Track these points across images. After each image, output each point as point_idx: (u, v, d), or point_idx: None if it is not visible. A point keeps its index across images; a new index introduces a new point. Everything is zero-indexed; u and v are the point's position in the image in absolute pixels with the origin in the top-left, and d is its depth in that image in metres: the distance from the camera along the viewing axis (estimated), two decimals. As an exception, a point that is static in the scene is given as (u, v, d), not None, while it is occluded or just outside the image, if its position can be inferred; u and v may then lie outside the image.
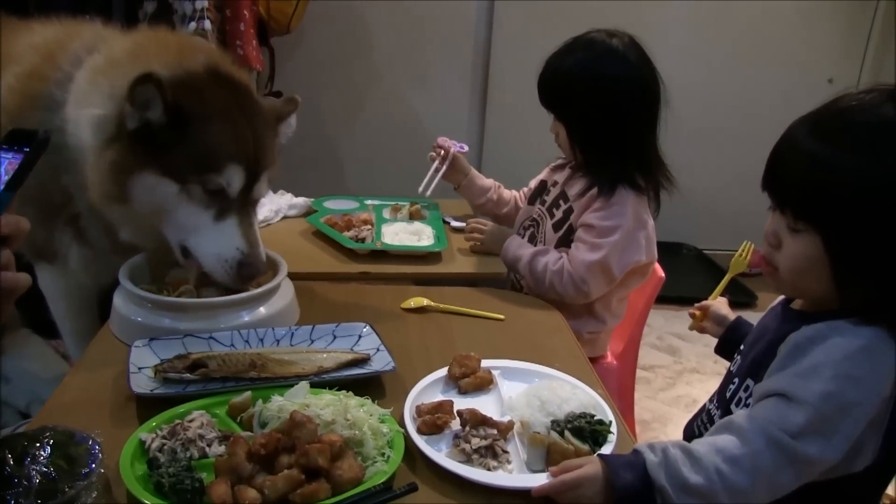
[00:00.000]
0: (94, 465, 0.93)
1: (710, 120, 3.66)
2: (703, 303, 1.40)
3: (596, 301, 1.68)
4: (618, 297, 1.72)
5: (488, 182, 1.98)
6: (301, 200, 1.99)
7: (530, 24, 3.25)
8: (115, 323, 1.35)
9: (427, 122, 3.42)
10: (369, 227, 1.80)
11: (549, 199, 1.76)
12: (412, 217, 1.91)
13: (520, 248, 1.69)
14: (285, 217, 1.94)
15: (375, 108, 3.42)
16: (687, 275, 3.45)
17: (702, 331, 1.39)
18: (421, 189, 1.92)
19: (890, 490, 1.53)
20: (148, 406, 1.09)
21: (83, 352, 1.60)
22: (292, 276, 1.52)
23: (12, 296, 0.98)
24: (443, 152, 1.94)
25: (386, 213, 1.93)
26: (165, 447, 0.98)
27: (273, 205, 1.95)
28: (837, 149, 0.96)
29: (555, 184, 1.76)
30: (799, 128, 1.02)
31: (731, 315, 1.35)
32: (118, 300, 1.36)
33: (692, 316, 1.40)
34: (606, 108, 1.60)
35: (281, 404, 1.04)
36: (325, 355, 1.22)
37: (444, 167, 1.93)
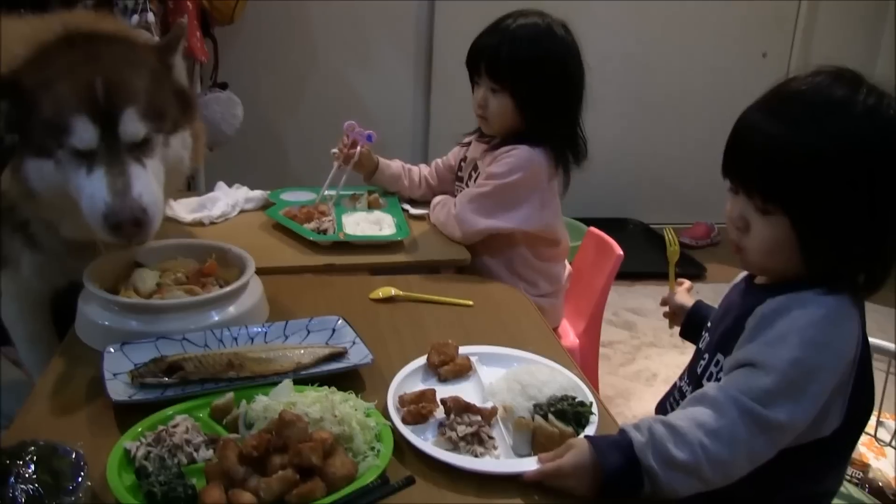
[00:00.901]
0: (80, 479, 0.92)
1: (648, 94, 3.73)
2: (664, 298, 1.45)
3: (510, 261, 1.78)
4: (530, 257, 1.80)
5: (396, 168, 2.01)
6: (258, 193, 1.97)
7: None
8: (80, 328, 1.32)
9: (371, 105, 3.42)
10: (330, 218, 1.79)
11: (464, 175, 1.85)
12: (371, 206, 1.90)
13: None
14: (242, 211, 1.92)
15: (318, 94, 3.41)
16: (635, 249, 3.50)
17: (671, 319, 1.44)
18: (323, 192, 1.93)
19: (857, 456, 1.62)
20: (128, 413, 1.08)
21: (37, 357, 1.59)
22: (256, 272, 1.52)
23: None
24: (346, 149, 1.94)
25: (344, 203, 1.92)
26: (152, 455, 0.97)
27: (229, 199, 1.92)
28: (796, 129, 1.00)
29: (466, 159, 1.86)
30: (755, 113, 1.06)
31: (689, 301, 1.40)
32: (83, 304, 1.33)
33: (667, 316, 1.44)
34: (547, 82, 1.68)
35: (266, 404, 1.03)
36: (301, 351, 1.22)
37: (350, 167, 1.94)
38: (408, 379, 1.18)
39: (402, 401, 1.11)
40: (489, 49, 1.70)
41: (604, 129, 3.43)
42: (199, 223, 1.83)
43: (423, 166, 2.02)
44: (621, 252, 1.88)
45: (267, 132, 3.33)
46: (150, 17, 2.23)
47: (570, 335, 1.97)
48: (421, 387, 1.16)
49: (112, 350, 1.21)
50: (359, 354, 1.22)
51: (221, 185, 2.01)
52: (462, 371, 1.21)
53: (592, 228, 2.07)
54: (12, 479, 0.89)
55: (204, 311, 1.33)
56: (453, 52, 3.36)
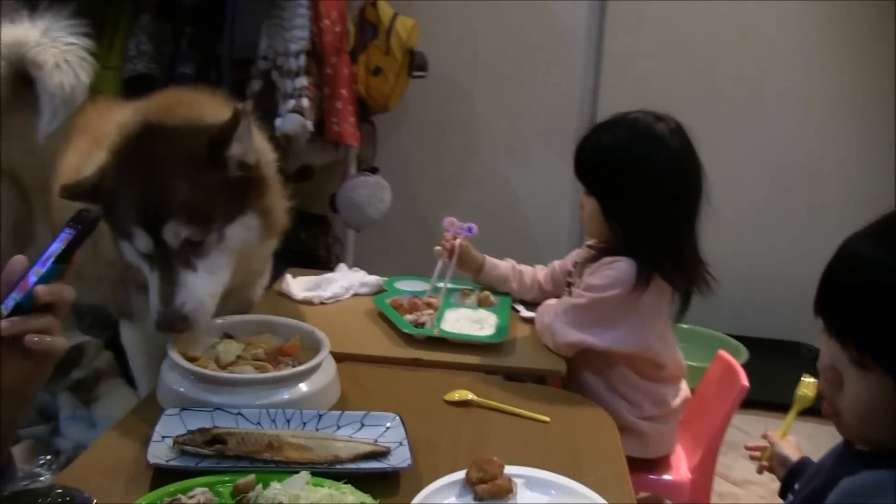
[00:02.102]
0: None
1: (820, 199, 3.47)
2: (762, 444, 1.30)
3: (610, 379, 1.69)
4: (633, 376, 1.69)
5: (503, 269, 1.96)
6: (373, 279, 2.00)
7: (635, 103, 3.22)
8: (160, 390, 1.37)
9: (525, 203, 3.42)
10: (431, 311, 1.78)
11: (573, 280, 1.78)
12: (480, 304, 1.87)
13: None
14: (356, 294, 1.95)
15: (473, 184, 3.45)
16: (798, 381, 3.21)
17: (769, 471, 1.28)
18: (428, 292, 1.91)
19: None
20: (163, 476, 1.10)
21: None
22: (343, 357, 1.53)
23: (49, 359, 1.04)
24: (448, 244, 1.92)
25: (455, 299, 1.90)
26: (162, 522, 0.98)
27: (345, 281, 1.97)
28: None
29: (577, 264, 1.79)
30: (861, 242, 0.89)
31: (796, 455, 1.24)
32: (165, 368, 1.38)
33: (752, 458, 1.30)
34: (636, 190, 1.59)
35: (276, 492, 1.01)
36: (343, 444, 1.20)
37: (453, 263, 1.91)
38: (440, 492, 1.11)
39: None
40: (579, 146, 1.67)
41: (770, 237, 3.22)
42: (308, 302, 1.88)
43: (539, 268, 1.97)
44: (746, 383, 1.72)
45: (416, 219, 3.40)
46: (305, 102, 2.37)
47: (682, 467, 1.81)
48: (453, 501, 1.09)
49: (171, 413, 1.24)
50: (400, 457, 1.18)
51: (342, 266, 2.07)
52: (500, 493, 1.12)
53: (722, 353, 1.92)
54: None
55: (275, 388, 1.34)
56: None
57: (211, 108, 1.45)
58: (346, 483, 1.08)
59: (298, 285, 1.94)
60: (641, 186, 1.60)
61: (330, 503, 0.99)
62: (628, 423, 1.68)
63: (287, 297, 1.91)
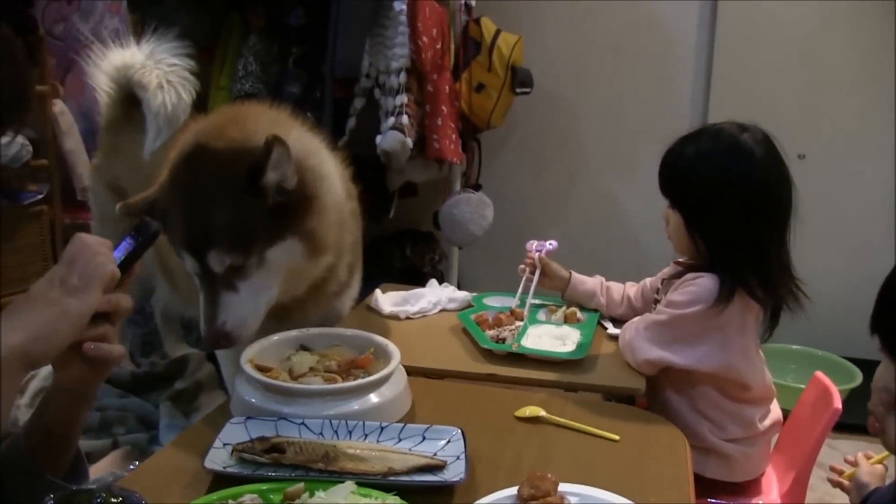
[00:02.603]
0: None
1: None
2: (848, 467, 1.20)
3: (693, 399, 1.62)
4: (718, 396, 1.61)
5: (591, 285, 1.89)
6: (462, 294, 1.99)
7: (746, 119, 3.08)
8: (233, 400, 1.41)
9: (632, 220, 3.32)
10: (513, 327, 1.75)
11: (660, 297, 1.72)
12: (567, 320, 1.83)
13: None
14: (443, 310, 1.95)
15: (579, 203, 3.39)
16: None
17: (843, 489, 1.19)
18: (514, 306, 1.88)
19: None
20: (221, 483, 1.12)
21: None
22: (419, 371, 1.53)
23: (106, 366, 1.09)
24: (531, 261, 1.90)
25: (541, 315, 1.86)
26: (207, 525, 1.00)
27: (433, 297, 1.97)
28: None
29: (664, 281, 1.72)
30: None
31: (875, 483, 1.14)
32: (238, 378, 1.42)
33: (830, 479, 1.20)
34: (718, 203, 1.53)
35: (321, 501, 1.01)
36: (400, 456, 1.19)
37: (536, 277, 1.87)
38: (490, 508, 1.08)
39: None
40: (664, 158, 1.61)
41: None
42: (395, 317, 1.89)
43: (629, 284, 1.91)
44: (839, 406, 1.59)
45: (522, 236, 3.36)
46: (405, 119, 2.40)
47: (772, 491, 1.70)
48: (502, 519, 1.06)
49: (235, 421, 1.27)
50: (454, 471, 1.16)
51: (433, 282, 2.07)
52: (552, 512, 1.08)
53: (819, 374, 1.79)
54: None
55: (341, 399, 1.34)
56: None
57: (266, 124, 1.47)
58: (394, 495, 1.07)
59: (387, 300, 1.96)
60: (724, 199, 1.54)
61: (369, 514, 0.97)
62: (712, 445, 1.61)
63: (376, 311, 1.92)
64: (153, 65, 1.90)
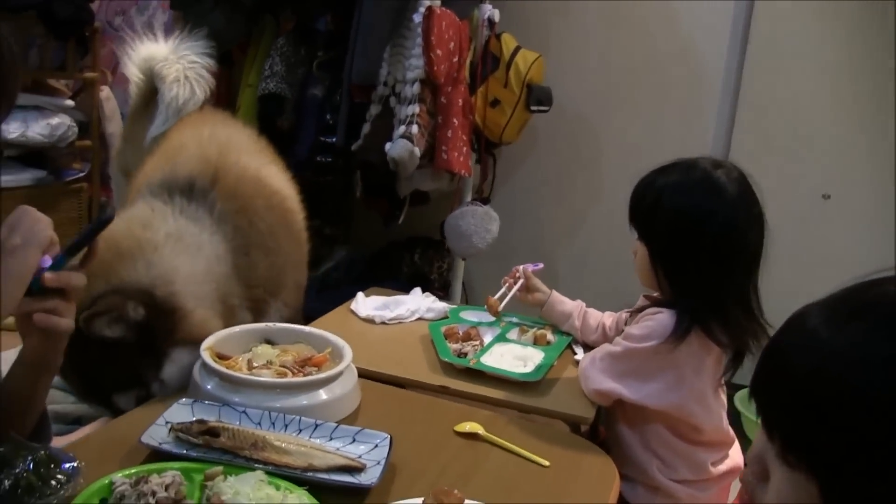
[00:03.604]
0: (59, 488, 1.05)
1: None
2: None
3: (644, 435, 1.63)
4: (669, 436, 1.62)
5: (569, 307, 1.91)
6: (441, 306, 2.04)
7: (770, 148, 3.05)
8: (192, 384, 1.47)
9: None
10: (477, 343, 1.79)
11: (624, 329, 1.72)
12: (536, 342, 1.86)
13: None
14: (420, 318, 2.00)
15: (596, 226, 3.39)
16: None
17: None
18: (494, 299, 1.92)
19: None
20: (157, 459, 1.20)
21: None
22: (375, 376, 1.59)
23: (58, 338, 1.18)
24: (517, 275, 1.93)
25: (511, 334, 1.90)
26: (125, 493, 1.07)
27: (413, 304, 2.02)
28: (863, 350, 0.68)
29: (631, 314, 1.72)
30: (814, 313, 0.74)
31: None
32: (196, 367, 1.49)
33: None
34: (683, 238, 1.53)
35: (228, 485, 1.08)
36: (323, 454, 1.24)
37: (518, 285, 1.91)
38: (393, 514, 1.14)
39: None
40: (636, 188, 1.63)
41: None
42: (370, 320, 1.95)
43: (608, 314, 1.93)
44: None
45: (537, 253, 3.39)
46: (414, 129, 2.46)
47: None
48: (402, 527, 1.11)
49: (183, 402, 1.35)
50: (370, 475, 1.21)
51: (416, 290, 2.12)
52: (451, 525, 1.13)
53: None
54: (5, 476, 1.04)
55: (289, 393, 1.41)
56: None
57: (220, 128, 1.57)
58: (307, 490, 1.13)
59: (368, 304, 2.02)
60: (688, 235, 1.53)
61: (267, 502, 1.04)
62: (661, 484, 1.61)
63: (353, 313, 1.99)
64: (175, 59, 1.99)
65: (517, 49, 2.82)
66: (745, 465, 0.83)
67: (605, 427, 1.76)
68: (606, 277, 3.26)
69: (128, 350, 1.44)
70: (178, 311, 1.52)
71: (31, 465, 1.06)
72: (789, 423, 0.72)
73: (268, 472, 1.15)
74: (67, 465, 1.10)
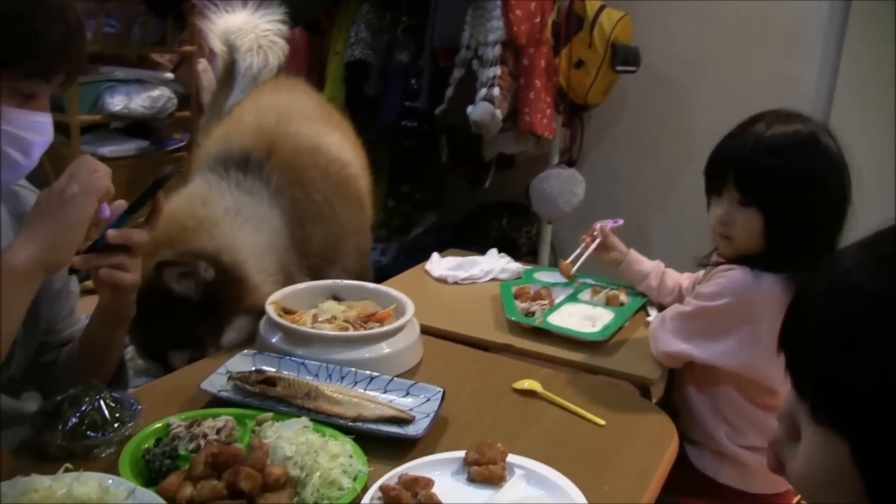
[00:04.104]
0: (119, 426, 1.12)
1: None
2: None
3: (715, 399, 1.57)
4: (741, 399, 1.57)
5: (648, 267, 1.86)
6: (515, 266, 2.03)
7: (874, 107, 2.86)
8: (258, 337, 1.53)
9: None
10: (545, 302, 1.77)
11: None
12: (608, 302, 1.83)
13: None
14: (494, 279, 1.99)
15: (689, 190, 3.26)
16: None
17: None
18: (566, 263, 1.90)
19: None
20: (213, 405, 1.25)
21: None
22: (440, 333, 1.61)
23: (123, 292, 1.26)
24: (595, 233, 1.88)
25: (584, 295, 1.88)
26: (180, 434, 1.13)
27: (487, 265, 2.02)
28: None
29: (705, 273, 1.66)
30: (854, 257, 0.69)
31: None
32: (263, 322, 1.53)
33: None
34: (816, 197, 1.46)
35: (273, 430, 1.12)
36: (373, 405, 1.27)
37: (594, 244, 1.87)
38: (436, 464, 1.14)
39: (400, 479, 1.08)
40: (741, 156, 1.50)
41: None
42: (443, 280, 1.96)
43: (686, 275, 1.87)
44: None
45: (626, 218, 3.31)
46: (496, 91, 2.44)
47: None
48: (445, 479, 1.12)
49: (246, 353, 1.40)
50: (417, 428, 1.23)
51: (493, 251, 2.12)
52: (491, 478, 1.12)
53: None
54: (82, 408, 1.12)
55: (350, 347, 1.45)
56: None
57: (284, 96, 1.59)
58: (351, 438, 1.16)
59: (442, 265, 2.03)
60: (813, 195, 1.46)
61: (306, 448, 1.07)
62: (728, 450, 1.56)
63: (427, 273, 2.01)
64: (249, 29, 2.04)
65: (601, 8, 2.74)
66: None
67: (674, 390, 1.71)
68: (701, 240, 3.15)
69: (192, 310, 1.50)
70: (245, 281, 1.57)
71: (98, 405, 1.14)
72: (818, 375, 0.68)
73: (318, 421, 1.19)
74: (130, 408, 1.17)
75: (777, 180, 1.46)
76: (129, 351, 2.21)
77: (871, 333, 0.63)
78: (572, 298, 1.83)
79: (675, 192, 3.29)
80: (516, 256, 2.91)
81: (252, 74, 1.97)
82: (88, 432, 1.10)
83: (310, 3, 2.70)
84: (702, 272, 1.81)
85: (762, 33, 3.04)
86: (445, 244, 2.41)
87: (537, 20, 2.50)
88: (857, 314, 0.65)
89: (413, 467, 1.12)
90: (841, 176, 1.46)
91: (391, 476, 1.09)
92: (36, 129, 1.17)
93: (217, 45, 2.20)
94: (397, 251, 3.13)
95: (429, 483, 1.08)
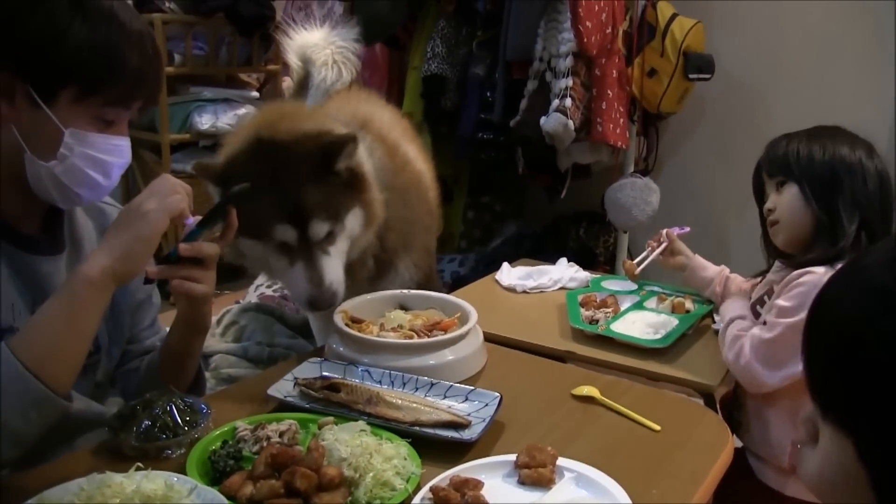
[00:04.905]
0: (188, 429, 1.20)
1: None
2: None
3: (795, 408, 1.51)
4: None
5: (711, 272, 1.85)
6: (583, 275, 2.05)
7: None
8: (326, 347, 1.59)
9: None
10: (611, 310, 1.79)
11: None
12: (674, 310, 1.83)
13: (733, 303, 1.66)
14: (563, 288, 2.02)
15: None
16: None
17: None
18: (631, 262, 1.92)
19: None
20: (280, 409, 1.33)
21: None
22: (505, 343, 1.65)
23: (196, 301, 1.34)
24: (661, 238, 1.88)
25: (650, 302, 1.88)
26: (246, 437, 1.20)
27: (556, 274, 2.04)
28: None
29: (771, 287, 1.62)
30: (876, 259, 0.69)
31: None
32: (332, 332, 1.60)
33: None
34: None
35: (331, 433, 1.18)
36: (431, 410, 1.31)
37: (660, 249, 1.88)
38: (487, 467, 1.18)
39: (452, 481, 1.12)
40: (770, 151, 1.65)
41: None
42: (511, 289, 1.99)
43: (749, 280, 1.83)
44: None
45: (704, 226, 3.25)
46: (568, 102, 2.46)
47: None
48: (497, 481, 1.16)
49: (313, 361, 1.47)
50: (472, 432, 1.26)
51: (563, 261, 2.14)
52: (541, 480, 1.15)
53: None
54: (155, 410, 1.21)
55: (414, 354, 1.50)
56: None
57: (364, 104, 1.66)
58: (408, 442, 1.21)
59: (513, 274, 2.07)
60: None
61: (361, 449, 1.12)
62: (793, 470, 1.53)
63: (497, 283, 2.05)
64: (325, 45, 2.14)
65: (673, 16, 2.73)
66: None
67: (741, 402, 1.68)
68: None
69: (339, 184, 1.58)
70: (371, 185, 1.65)
71: (170, 409, 1.22)
72: (824, 373, 0.69)
73: (376, 426, 1.24)
74: (200, 412, 1.25)
75: (804, 155, 1.56)
76: (214, 361, 2.34)
77: (877, 329, 0.63)
78: (638, 306, 1.84)
79: (751, 201, 3.21)
80: (594, 266, 2.94)
81: (325, 87, 2.06)
82: (160, 434, 1.19)
83: (386, 20, 2.78)
84: (760, 278, 1.78)
85: (837, 39, 2.96)
86: (525, 254, 2.44)
87: (608, 30, 2.51)
88: (866, 309, 0.65)
89: (465, 469, 1.16)
90: (882, 182, 1.52)
91: (443, 478, 1.13)
92: (115, 152, 1.26)
93: (293, 60, 2.31)
94: (476, 261, 3.17)
95: (478, 484, 1.12)
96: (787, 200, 1.58)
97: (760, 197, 1.68)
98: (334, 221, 1.57)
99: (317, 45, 2.12)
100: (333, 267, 1.58)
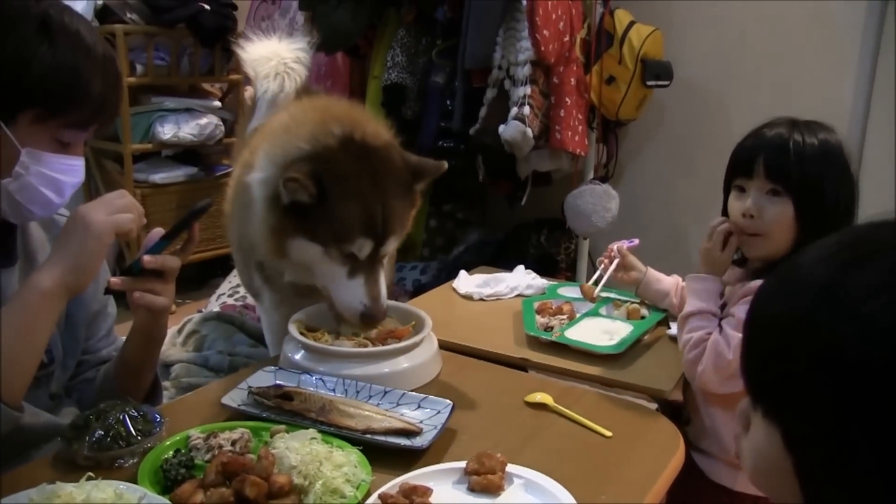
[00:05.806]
0: (141, 439, 1.21)
1: None
2: None
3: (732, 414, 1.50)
4: None
5: (666, 284, 1.85)
6: (540, 282, 2.07)
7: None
8: (282, 356, 1.59)
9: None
10: (566, 317, 1.81)
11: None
12: (629, 316, 1.86)
13: (703, 284, 1.60)
14: (519, 295, 2.04)
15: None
16: None
17: None
18: (588, 286, 1.91)
19: None
20: (233, 418, 1.33)
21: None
22: (460, 350, 1.65)
23: (155, 312, 1.34)
24: (612, 254, 1.88)
25: (604, 310, 1.90)
26: (199, 445, 1.21)
27: (513, 281, 2.06)
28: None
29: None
30: (810, 254, 0.71)
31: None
32: (286, 338, 1.60)
33: None
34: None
35: (282, 441, 1.18)
36: (383, 417, 1.33)
37: (613, 266, 1.87)
38: (437, 474, 1.19)
39: (402, 489, 1.13)
40: (774, 142, 1.54)
41: None
42: (468, 297, 2.01)
43: None
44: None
45: (666, 231, 3.30)
46: (526, 110, 2.49)
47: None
48: (445, 488, 1.17)
49: (268, 370, 1.48)
50: (423, 439, 1.28)
51: (520, 268, 2.16)
52: (490, 487, 1.17)
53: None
54: (99, 426, 1.21)
55: (367, 362, 1.51)
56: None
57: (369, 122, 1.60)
58: (359, 449, 1.22)
59: (470, 282, 2.08)
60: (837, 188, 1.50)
61: (311, 457, 1.13)
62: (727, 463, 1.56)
63: (454, 290, 2.06)
64: (268, 57, 2.11)
65: (631, 24, 2.77)
66: None
67: (685, 400, 1.70)
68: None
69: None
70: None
71: (123, 418, 1.22)
72: (754, 364, 0.73)
73: (329, 434, 1.25)
74: (153, 421, 1.25)
75: (813, 175, 1.48)
76: (175, 370, 2.33)
77: (812, 322, 0.66)
78: (593, 313, 1.87)
79: (712, 206, 3.26)
80: (556, 272, 2.97)
81: (268, 99, 2.05)
82: (113, 444, 1.19)
83: (347, 30, 2.79)
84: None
85: (796, 42, 3.01)
86: (487, 262, 2.47)
87: (566, 39, 2.54)
88: (801, 304, 0.68)
89: (415, 476, 1.18)
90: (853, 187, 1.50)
91: (392, 485, 1.14)
92: (69, 171, 1.27)
93: (251, 73, 2.30)
94: (438, 269, 3.19)
95: (427, 492, 1.13)
96: (778, 216, 1.50)
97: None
98: (399, 239, 1.58)
99: (262, 57, 2.11)
100: (384, 282, 1.57)
